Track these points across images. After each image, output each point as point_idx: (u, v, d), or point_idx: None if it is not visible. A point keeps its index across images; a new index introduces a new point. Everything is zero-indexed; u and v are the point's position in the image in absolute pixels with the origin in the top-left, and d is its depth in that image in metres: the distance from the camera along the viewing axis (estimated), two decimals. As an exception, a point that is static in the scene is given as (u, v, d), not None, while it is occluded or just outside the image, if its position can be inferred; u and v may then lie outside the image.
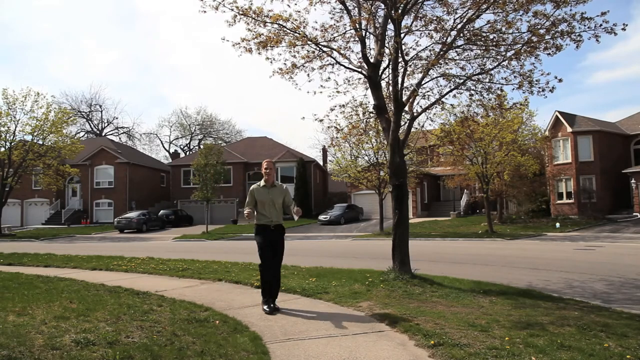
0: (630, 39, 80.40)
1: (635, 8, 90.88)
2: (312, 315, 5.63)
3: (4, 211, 31.87)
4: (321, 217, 35.36)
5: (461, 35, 8.49)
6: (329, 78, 9.19)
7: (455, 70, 9.11)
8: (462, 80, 8.87)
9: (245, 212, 5.88)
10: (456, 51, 8.88)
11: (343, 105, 10.19)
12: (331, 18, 9.01)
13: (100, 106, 67.83)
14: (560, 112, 32.85)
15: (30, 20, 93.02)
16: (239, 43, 8.65)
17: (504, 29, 8.32)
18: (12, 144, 29.88)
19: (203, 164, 30.72)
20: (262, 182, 6.03)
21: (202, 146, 50.11)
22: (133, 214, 35.13)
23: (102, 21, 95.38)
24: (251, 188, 6.04)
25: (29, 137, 30.68)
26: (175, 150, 61.59)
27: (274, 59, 8.86)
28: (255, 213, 5.96)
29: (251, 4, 8.49)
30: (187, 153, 61.58)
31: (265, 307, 5.77)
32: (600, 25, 7.68)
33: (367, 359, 4.07)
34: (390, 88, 9.00)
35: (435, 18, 8.74)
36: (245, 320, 5.25)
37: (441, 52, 8.65)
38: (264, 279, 5.83)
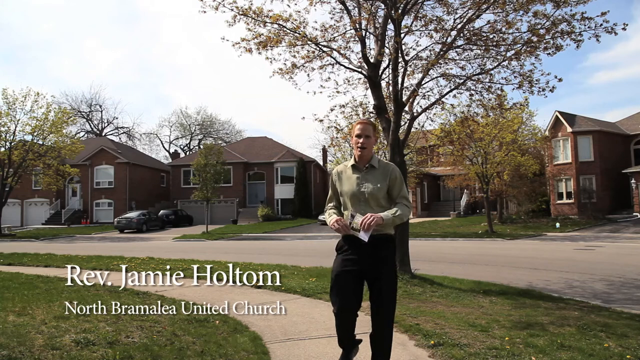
0: (631, 39, 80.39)
1: (636, 9, 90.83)
2: (312, 315, 5.63)
3: (4, 211, 31.85)
4: (321, 217, 35.31)
5: (461, 35, 8.50)
6: (329, 78, 9.21)
7: (455, 70, 9.14)
8: (462, 80, 8.88)
9: (328, 221, 3.35)
10: (456, 51, 8.89)
11: (343, 105, 10.21)
12: (331, 18, 9.03)
13: (100, 106, 67.90)
14: (560, 112, 32.85)
15: (31, 21, 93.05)
16: (238, 43, 8.66)
17: (504, 29, 8.33)
18: (12, 144, 29.86)
19: (203, 164, 30.71)
20: (350, 162, 3.47)
21: (202, 146, 50.11)
22: (133, 214, 35.11)
23: (104, 21, 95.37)
24: (333, 172, 3.55)
25: (29, 137, 30.67)
26: (175, 150, 61.57)
27: (274, 59, 8.88)
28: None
29: (251, 4, 8.51)
30: (187, 153, 61.55)
31: None
32: (601, 25, 7.70)
33: (367, 359, 4.07)
34: (390, 88, 9.01)
35: (435, 18, 8.76)
36: (245, 320, 5.26)
37: (441, 52, 8.66)
38: (340, 329, 3.55)
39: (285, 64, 8.91)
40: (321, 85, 9.30)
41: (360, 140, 3.33)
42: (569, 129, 31.75)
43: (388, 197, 3.36)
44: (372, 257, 3.22)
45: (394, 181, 3.34)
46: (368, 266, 3.24)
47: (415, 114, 9.16)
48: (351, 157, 3.51)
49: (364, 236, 3.08)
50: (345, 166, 3.49)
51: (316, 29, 8.81)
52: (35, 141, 30.56)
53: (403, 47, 8.71)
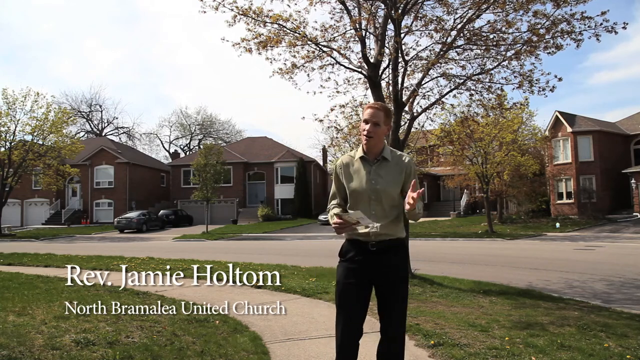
0: (632, 39, 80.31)
1: (636, 9, 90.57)
2: (312, 315, 5.63)
3: (4, 211, 31.84)
4: (321, 217, 35.30)
5: (461, 35, 8.50)
6: (329, 78, 9.21)
7: (455, 70, 9.15)
8: (462, 80, 8.89)
9: (332, 220, 2.84)
10: (456, 51, 8.90)
11: (343, 105, 10.20)
12: (331, 18, 9.03)
13: (101, 106, 67.87)
14: (560, 112, 32.86)
15: (31, 21, 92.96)
16: (238, 43, 8.66)
17: (504, 28, 8.33)
18: (12, 144, 29.86)
19: (203, 164, 30.72)
20: (357, 152, 2.95)
21: (202, 146, 50.09)
22: (133, 214, 35.11)
23: (104, 21, 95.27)
24: (337, 164, 3.01)
25: (29, 137, 30.67)
26: (175, 150, 61.56)
27: (274, 59, 8.89)
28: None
29: (251, 4, 8.51)
30: (187, 153, 61.53)
31: None
32: (601, 24, 7.72)
33: (367, 359, 4.07)
34: (390, 88, 9.01)
35: (435, 18, 8.76)
36: (245, 320, 5.26)
37: (441, 52, 8.67)
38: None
39: (285, 64, 8.92)
40: (321, 85, 9.31)
41: (367, 127, 2.80)
42: (569, 129, 31.75)
43: (400, 192, 2.85)
44: (382, 266, 2.80)
45: (409, 176, 2.85)
46: (377, 278, 2.84)
47: (415, 114, 9.17)
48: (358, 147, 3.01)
49: (368, 222, 2.68)
50: (351, 157, 2.94)
51: (316, 29, 8.82)
52: (35, 141, 30.56)
53: (403, 47, 8.72)
